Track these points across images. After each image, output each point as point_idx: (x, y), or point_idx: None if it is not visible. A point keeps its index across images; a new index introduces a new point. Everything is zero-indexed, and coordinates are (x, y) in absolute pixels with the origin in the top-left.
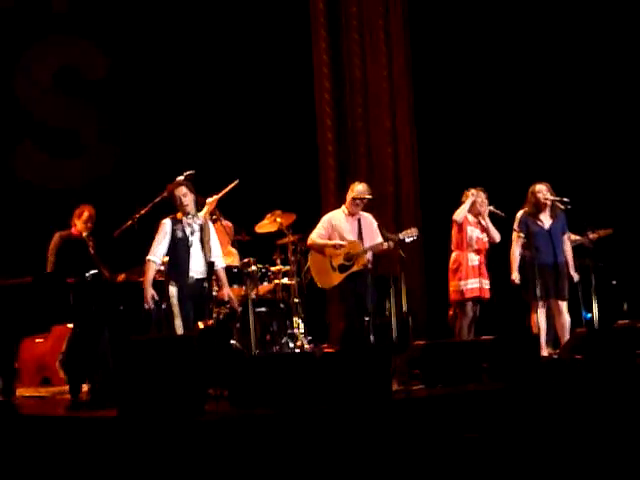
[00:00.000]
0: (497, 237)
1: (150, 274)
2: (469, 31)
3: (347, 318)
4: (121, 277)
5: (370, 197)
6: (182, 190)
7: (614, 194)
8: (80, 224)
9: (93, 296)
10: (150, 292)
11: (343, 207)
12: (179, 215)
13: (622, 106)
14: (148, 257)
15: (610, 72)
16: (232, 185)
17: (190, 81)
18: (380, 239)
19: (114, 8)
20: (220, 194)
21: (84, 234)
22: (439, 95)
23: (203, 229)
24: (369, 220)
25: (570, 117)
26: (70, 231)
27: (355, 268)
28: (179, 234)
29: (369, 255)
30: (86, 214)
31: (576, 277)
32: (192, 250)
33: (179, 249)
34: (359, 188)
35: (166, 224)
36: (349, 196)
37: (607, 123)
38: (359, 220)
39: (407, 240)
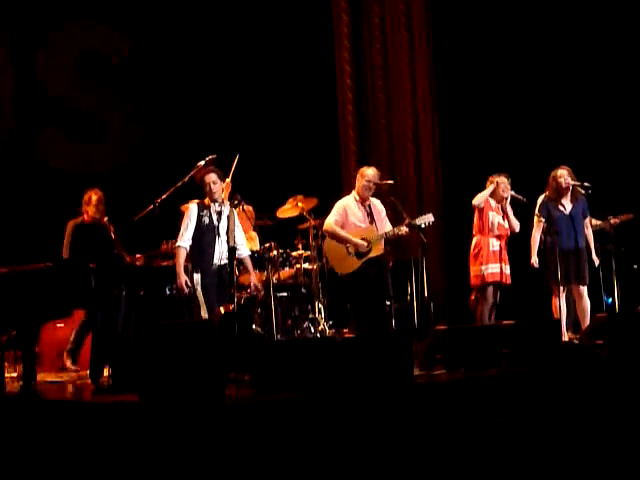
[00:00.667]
0: (517, 227)
1: (181, 260)
2: (491, 15)
3: (359, 304)
4: (139, 259)
5: (390, 182)
6: (212, 177)
7: (635, 179)
8: (91, 209)
9: (114, 281)
10: (183, 278)
11: (354, 193)
12: (206, 201)
13: None
14: (177, 244)
15: (634, 57)
16: (235, 162)
17: (213, 66)
18: (389, 226)
19: None
20: (229, 176)
21: (105, 219)
22: (460, 80)
23: (229, 217)
24: (379, 207)
25: (591, 102)
26: (82, 218)
27: (372, 254)
28: (206, 220)
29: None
30: (94, 198)
31: (597, 261)
32: (218, 237)
33: (205, 235)
34: (370, 172)
35: (192, 209)
36: (360, 182)
37: (628, 108)
38: (369, 206)
39: (422, 226)
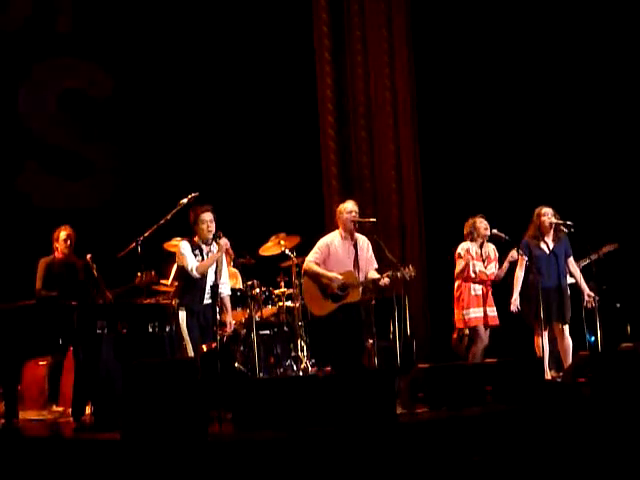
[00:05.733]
0: (501, 276)
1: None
2: (474, 47)
3: (332, 345)
4: (108, 295)
5: (372, 220)
6: (210, 216)
7: (617, 217)
8: (62, 245)
9: (97, 318)
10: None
11: (340, 230)
12: (196, 240)
13: (626, 131)
14: (193, 271)
15: (612, 93)
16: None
17: (195, 103)
18: (375, 266)
19: (118, 29)
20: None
21: (88, 256)
22: (443, 115)
23: (219, 257)
24: (365, 244)
25: (573, 140)
26: (53, 255)
27: (348, 300)
28: (199, 259)
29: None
30: (64, 235)
31: (593, 296)
32: (206, 277)
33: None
34: (348, 206)
35: (185, 246)
36: (341, 217)
37: (609, 146)
38: (355, 244)
39: (406, 277)
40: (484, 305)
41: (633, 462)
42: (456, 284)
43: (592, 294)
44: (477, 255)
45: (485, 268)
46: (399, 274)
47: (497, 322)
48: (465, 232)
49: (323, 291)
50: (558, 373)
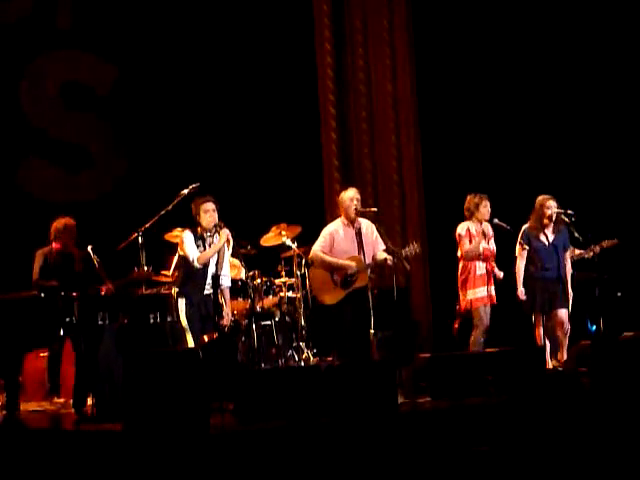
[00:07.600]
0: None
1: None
2: (474, 45)
3: (342, 334)
4: (109, 286)
5: (374, 209)
6: (211, 206)
7: (618, 206)
8: (63, 236)
9: (98, 309)
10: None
11: (342, 218)
12: (199, 230)
13: (629, 121)
14: (194, 262)
15: (615, 83)
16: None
17: (196, 95)
18: (382, 247)
19: (118, 23)
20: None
21: (89, 247)
22: (444, 108)
23: (220, 248)
24: (370, 228)
25: (575, 129)
26: (50, 246)
27: (358, 284)
28: (201, 250)
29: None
30: (64, 224)
31: (571, 294)
32: (207, 267)
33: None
34: (350, 193)
35: (188, 235)
36: (342, 205)
37: (611, 136)
38: (359, 229)
39: (409, 255)
40: (487, 284)
41: (634, 451)
42: (461, 265)
43: (571, 294)
44: (478, 233)
45: (487, 244)
46: (405, 251)
47: (495, 301)
48: (465, 206)
49: (331, 279)
50: (560, 362)
